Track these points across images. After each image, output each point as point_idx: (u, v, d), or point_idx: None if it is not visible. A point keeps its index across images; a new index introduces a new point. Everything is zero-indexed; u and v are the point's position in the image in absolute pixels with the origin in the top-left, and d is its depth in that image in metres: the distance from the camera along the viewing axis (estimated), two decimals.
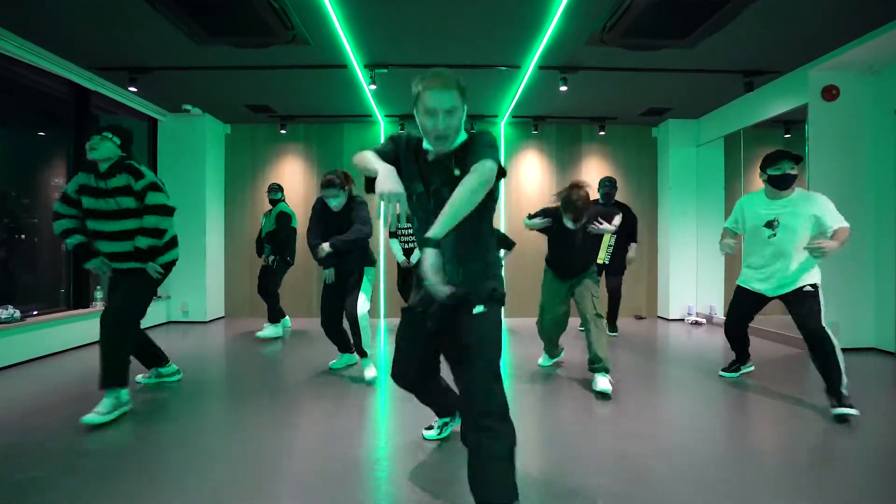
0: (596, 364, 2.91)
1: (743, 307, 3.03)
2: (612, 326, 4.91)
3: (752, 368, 3.32)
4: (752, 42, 3.69)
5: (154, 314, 5.38)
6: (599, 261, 4.19)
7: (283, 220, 4.61)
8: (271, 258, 4.63)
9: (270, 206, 4.81)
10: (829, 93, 4.05)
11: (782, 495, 1.71)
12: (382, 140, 6.08)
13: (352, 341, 3.25)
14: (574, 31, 3.54)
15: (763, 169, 2.80)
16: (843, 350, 2.63)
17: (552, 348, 3.46)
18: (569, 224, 3.03)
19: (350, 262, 3.19)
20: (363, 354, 3.17)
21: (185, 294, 5.62)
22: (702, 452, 2.09)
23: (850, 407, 2.40)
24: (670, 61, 4.05)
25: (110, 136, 2.46)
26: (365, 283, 3.20)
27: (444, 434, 2.18)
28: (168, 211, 2.56)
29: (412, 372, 1.77)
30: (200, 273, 5.62)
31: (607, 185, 4.57)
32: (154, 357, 3.02)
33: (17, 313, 3.61)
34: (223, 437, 2.30)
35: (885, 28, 3.34)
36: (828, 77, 4.05)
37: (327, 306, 3.29)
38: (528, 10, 3.26)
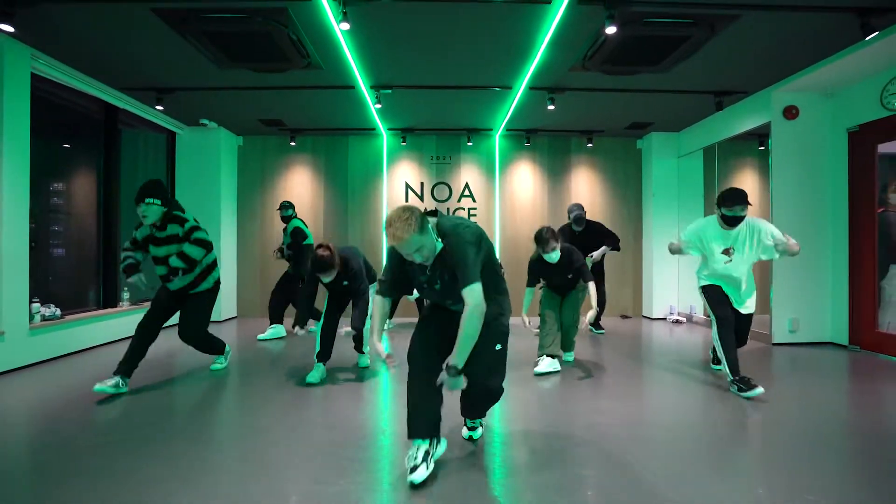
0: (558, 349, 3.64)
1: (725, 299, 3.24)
2: (598, 326, 5.35)
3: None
4: (720, 66, 4.11)
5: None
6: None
7: (299, 236, 4.94)
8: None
9: (284, 223, 5.07)
10: (790, 112, 4.49)
11: (723, 464, 2.12)
12: (385, 148, 6.45)
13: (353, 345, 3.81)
14: (559, 59, 3.96)
15: (719, 205, 3.11)
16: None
17: (556, 349, 3.65)
18: (548, 258, 3.47)
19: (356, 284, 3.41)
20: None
21: None
22: (662, 424, 2.50)
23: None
24: (648, 83, 4.48)
25: (152, 201, 3.07)
26: (367, 299, 3.38)
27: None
28: (204, 244, 3.24)
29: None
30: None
31: (575, 210, 5.07)
32: (131, 367, 3.13)
33: (58, 311, 4.00)
34: (236, 432, 2.49)
35: (839, 55, 3.75)
36: (789, 98, 4.49)
37: (330, 319, 3.48)
38: (517, 41, 3.67)
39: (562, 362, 3.73)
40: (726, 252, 3.15)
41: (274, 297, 5.09)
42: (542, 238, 3.41)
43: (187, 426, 2.50)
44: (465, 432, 2.29)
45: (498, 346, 2.01)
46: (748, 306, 3.23)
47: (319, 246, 3.19)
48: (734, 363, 3.04)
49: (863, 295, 4.22)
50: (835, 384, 3.35)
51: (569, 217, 5.13)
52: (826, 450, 2.18)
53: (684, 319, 6.10)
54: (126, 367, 3.04)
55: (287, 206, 5.13)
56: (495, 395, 2.09)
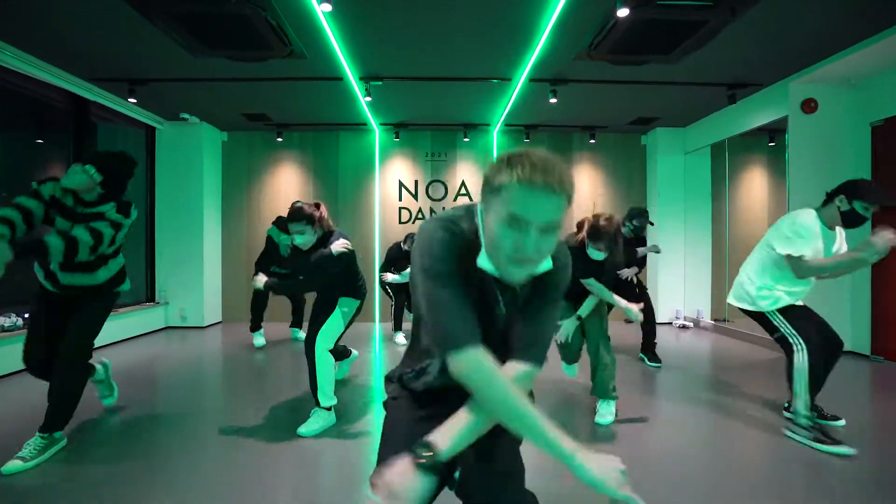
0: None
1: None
2: (654, 357, 4.05)
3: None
4: (735, 56, 3.83)
5: (153, 319, 5.45)
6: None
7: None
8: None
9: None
10: (808, 105, 4.20)
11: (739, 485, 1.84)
12: (377, 144, 6.11)
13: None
14: (563, 47, 3.66)
15: (859, 197, 2.35)
16: None
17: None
18: (595, 255, 2.56)
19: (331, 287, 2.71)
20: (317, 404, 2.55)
21: (182, 300, 5.70)
22: (668, 441, 2.22)
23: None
24: (656, 74, 4.19)
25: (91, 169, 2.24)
26: (336, 314, 2.64)
27: None
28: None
29: None
30: (198, 279, 5.70)
31: (638, 216, 3.89)
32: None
33: (19, 321, 3.68)
34: (224, 440, 2.38)
35: (861, 44, 3.49)
36: (807, 90, 4.21)
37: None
38: (518, 27, 3.37)
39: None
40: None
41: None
42: (598, 230, 2.47)
43: (174, 438, 2.21)
44: None
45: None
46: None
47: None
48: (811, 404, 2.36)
49: (887, 301, 3.94)
50: (858, 398, 3.08)
51: (628, 223, 3.90)
52: (851, 475, 1.96)
53: (691, 324, 5.83)
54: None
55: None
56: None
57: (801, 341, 2.37)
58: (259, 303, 4.67)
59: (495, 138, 6.25)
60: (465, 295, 0.97)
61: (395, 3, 3.04)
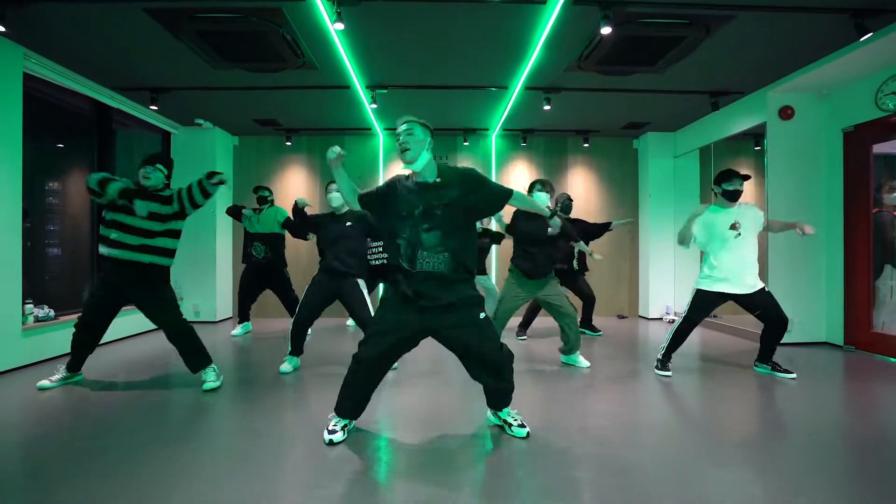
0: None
1: (709, 308, 3.47)
2: (592, 327, 5.16)
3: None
4: (716, 67, 4.11)
5: None
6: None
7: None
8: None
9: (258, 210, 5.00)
10: (786, 112, 4.49)
11: (726, 463, 2.12)
12: (381, 148, 6.43)
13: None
14: (554, 59, 3.96)
15: (718, 184, 3.37)
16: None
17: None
18: (537, 198, 3.49)
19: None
20: None
21: (196, 296, 5.99)
22: (656, 426, 2.50)
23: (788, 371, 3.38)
24: (644, 84, 4.48)
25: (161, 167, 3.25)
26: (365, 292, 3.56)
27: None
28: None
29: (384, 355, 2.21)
30: (210, 276, 5.99)
31: (563, 198, 4.80)
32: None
33: (52, 312, 3.98)
34: (230, 434, 2.48)
35: (833, 56, 3.76)
36: (784, 98, 4.50)
37: (312, 311, 3.54)
38: (513, 40, 3.66)
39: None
40: (734, 227, 3.28)
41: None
42: (536, 180, 3.54)
43: (183, 428, 2.48)
44: (511, 429, 2.30)
45: (482, 315, 2.21)
46: (752, 284, 3.30)
47: None
48: (672, 350, 3.53)
49: (857, 295, 4.23)
50: (830, 385, 3.35)
51: (555, 204, 4.63)
52: (821, 452, 2.18)
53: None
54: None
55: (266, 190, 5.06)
56: (500, 361, 2.22)
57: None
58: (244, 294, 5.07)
59: (493, 142, 6.55)
60: None
61: (402, 19, 3.33)
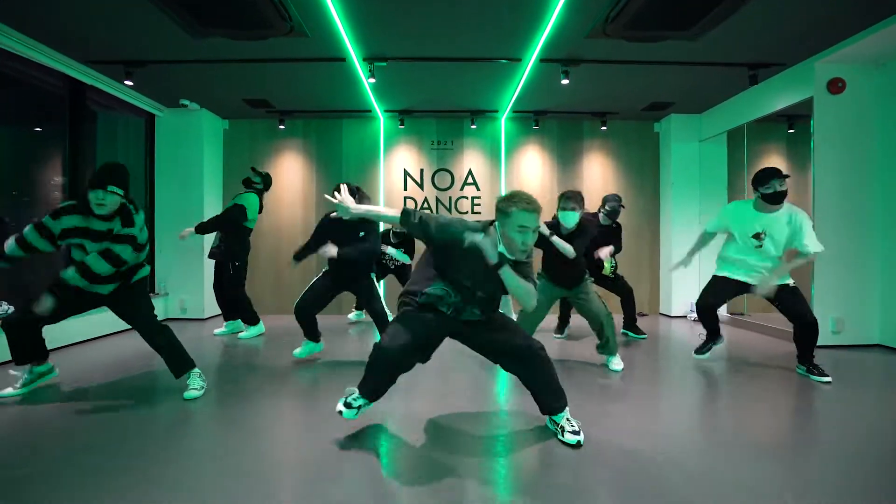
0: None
1: (723, 293, 3.35)
2: (636, 329, 4.59)
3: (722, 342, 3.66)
4: (757, 33, 3.63)
5: None
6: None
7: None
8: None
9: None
10: (835, 86, 3.99)
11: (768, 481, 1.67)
12: (382, 132, 5.99)
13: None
14: (576, 23, 3.48)
15: (755, 188, 3.08)
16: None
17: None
18: (564, 219, 3.21)
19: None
20: None
21: (183, 292, 5.58)
22: (684, 430, 2.05)
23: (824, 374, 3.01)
24: (673, 54, 3.99)
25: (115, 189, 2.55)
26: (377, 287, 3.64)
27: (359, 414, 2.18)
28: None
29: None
30: (198, 271, 5.57)
31: (612, 201, 4.30)
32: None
33: (11, 309, 3.57)
34: (219, 432, 2.26)
35: (890, 21, 3.29)
36: (833, 70, 3.99)
37: (318, 296, 3.49)
38: (529, 2, 3.20)
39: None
40: (757, 236, 3.07)
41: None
42: (564, 195, 3.20)
43: (170, 429, 2.12)
44: (563, 434, 2.09)
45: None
46: (765, 278, 3.06)
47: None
48: (709, 331, 3.50)
49: None
50: (885, 393, 2.89)
51: (602, 207, 4.33)
52: (865, 466, 1.86)
53: None
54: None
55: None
56: (536, 352, 2.13)
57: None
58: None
59: (503, 125, 6.07)
60: None
61: None
